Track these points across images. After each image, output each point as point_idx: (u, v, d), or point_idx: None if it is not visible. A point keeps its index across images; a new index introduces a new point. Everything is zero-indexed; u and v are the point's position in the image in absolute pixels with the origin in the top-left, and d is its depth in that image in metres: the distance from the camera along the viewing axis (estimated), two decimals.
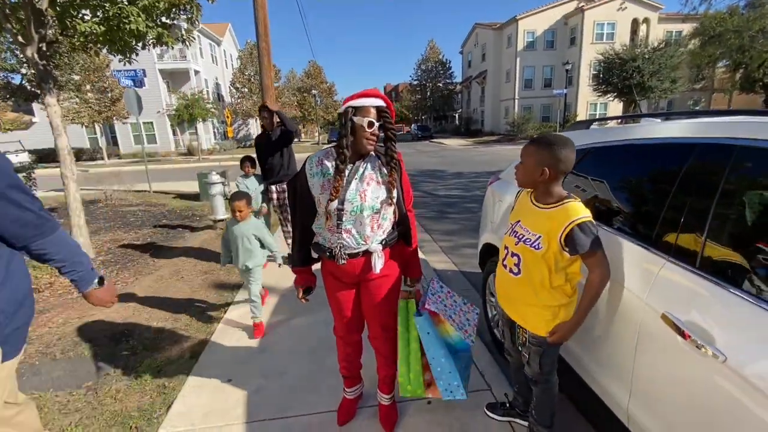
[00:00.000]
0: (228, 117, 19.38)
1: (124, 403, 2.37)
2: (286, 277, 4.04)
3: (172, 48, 5.43)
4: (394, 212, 1.74)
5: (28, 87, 6.88)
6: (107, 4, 4.28)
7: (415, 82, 49.61)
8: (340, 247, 1.66)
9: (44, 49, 4.44)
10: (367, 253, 1.69)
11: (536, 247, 1.51)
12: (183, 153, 27.66)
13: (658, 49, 23.08)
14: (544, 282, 1.53)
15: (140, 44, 4.94)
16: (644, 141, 1.79)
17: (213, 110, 25.36)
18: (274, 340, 2.98)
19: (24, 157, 16.36)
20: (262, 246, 3.05)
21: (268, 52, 6.52)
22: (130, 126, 25.80)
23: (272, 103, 6.46)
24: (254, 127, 36.50)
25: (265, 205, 4.42)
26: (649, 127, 1.84)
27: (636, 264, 1.56)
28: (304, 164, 1.70)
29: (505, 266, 1.69)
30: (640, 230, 1.65)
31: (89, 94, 20.77)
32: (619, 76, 23.42)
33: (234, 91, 34.10)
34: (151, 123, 27.02)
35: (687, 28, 25.15)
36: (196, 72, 28.56)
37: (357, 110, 1.55)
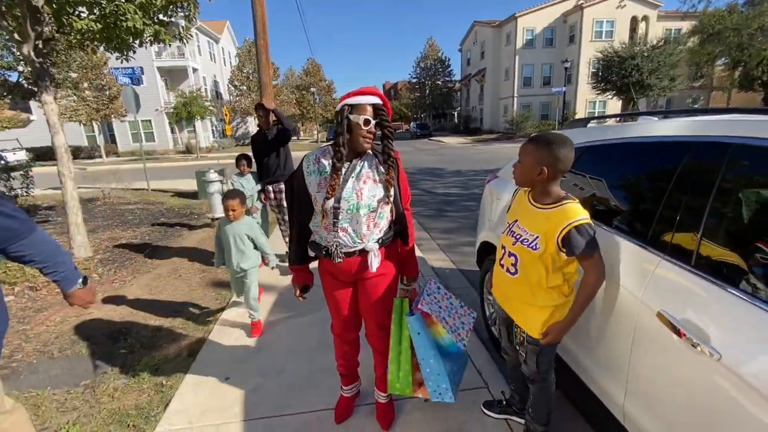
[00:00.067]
0: (226, 115, 19.32)
1: (121, 402, 2.37)
2: (283, 276, 4.05)
3: (170, 46, 5.41)
4: (391, 211, 1.74)
5: (25, 85, 6.83)
6: (104, 2, 4.25)
7: (414, 80, 49.46)
8: (336, 245, 1.65)
9: (41, 46, 4.42)
10: (364, 252, 1.68)
11: (534, 247, 1.50)
12: (181, 151, 27.60)
13: (657, 47, 23.09)
14: (541, 282, 1.53)
15: (137, 42, 4.92)
16: (640, 139, 1.79)
17: (211, 108, 25.31)
18: (272, 339, 2.98)
19: (21, 155, 16.38)
20: (256, 247, 2.99)
21: (266, 50, 6.50)
22: (128, 124, 25.74)
23: (269, 101, 6.43)
24: (253, 125, 36.41)
25: (257, 203, 4.34)
26: (646, 126, 1.84)
27: (632, 262, 1.56)
28: (302, 162, 1.70)
29: (502, 266, 1.69)
30: (636, 228, 1.66)
31: (87, 92, 20.69)
32: (618, 74, 23.43)
33: (232, 88, 34.04)
34: (150, 121, 26.94)
35: (686, 25, 25.14)
36: (195, 70, 28.48)
37: (353, 108, 1.54)
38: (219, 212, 6.53)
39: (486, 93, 38.07)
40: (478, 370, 2.45)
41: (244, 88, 33.32)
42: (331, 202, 1.59)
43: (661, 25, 30.59)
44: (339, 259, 1.67)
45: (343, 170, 1.62)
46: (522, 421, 1.98)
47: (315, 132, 45.79)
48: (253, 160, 4.33)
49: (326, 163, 1.62)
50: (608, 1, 29.23)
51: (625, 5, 29.52)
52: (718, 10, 19.57)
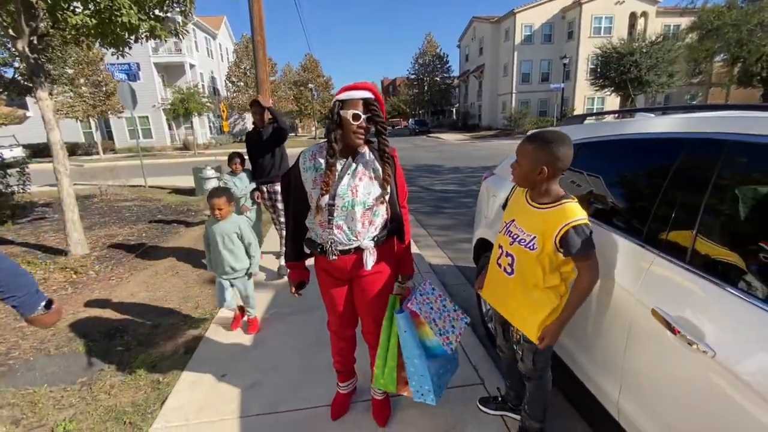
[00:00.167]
0: (224, 111, 19.29)
1: (118, 399, 2.37)
2: (280, 277, 4.04)
3: (166, 41, 5.37)
4: (387, 209, 1.72)
5: (21, 81, 6.78)
6: None
7: (413, 76, 49.31)
8: (331, 242, 1.65)
9: (35, 42, 4.39)
10: (359, 250, 1.67)
11: (531, 247, 1.49)
12: (179, 147, 27.49)
13: (656, 43, 23.07)
14: (538, 283, 1.52)
15: (133, 37, 4.87)
16: (636, 136, 1.78)
17: (209, 104, 25.20)
18: (269, 336, 2.98)
19: (18, 152, 16.29)
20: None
21: (263, 46, 6.46)
22: (125, 120, 25.59)
23: (266, 98, 6.39)
24: (250, 122, 36.25)
25: (249, 203, 4.19)
26: (642, 122, 1.84)
27: (627, 259, 1.56)
28: (298, 158, 1.69)
29: (499, 265, 1.68)
30: (631, 225, 1.65)
31: (83, 88, 20.58)
32: (617, 70, 23.41)
33: (230, 85, 33.83)
34: (147, 117, 26.83)
35: (685, 21, 25.08)
36: (192, 66, 28.33)
37: (344, 103, 1.52)
38: None
39: (484, 89, 38.01)
40: (475, 367, 2.46)
41: (242, 84, 33.12)
42: (326, 199, 1.58)
43: (660, 21, 30.56)
44: (334, 257, 1.66)
45: (339, 167, 1.61)
46: (518, 417, 1.98)
47: (313, 128, 45.61)
48: (247, 158, 4.17)
49: (322, 159, 1.61)
50: None
51: (623, 1, 29.47)
52: (718, 6, 19.53)
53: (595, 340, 1.71)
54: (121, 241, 5.70)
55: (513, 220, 1.62)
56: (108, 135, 27.34)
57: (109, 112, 22.24)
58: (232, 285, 2.92)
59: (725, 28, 18.86)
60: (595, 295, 1.64)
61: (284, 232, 4.01)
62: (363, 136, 1.56)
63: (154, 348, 2.90)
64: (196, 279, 4.21)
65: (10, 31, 4.26)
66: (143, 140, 25.56)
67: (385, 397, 2.10)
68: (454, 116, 48.34)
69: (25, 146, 19.54)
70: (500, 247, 1.68)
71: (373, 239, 1.68)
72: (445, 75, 47.69)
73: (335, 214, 1.61)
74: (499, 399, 2.11)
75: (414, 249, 4.72)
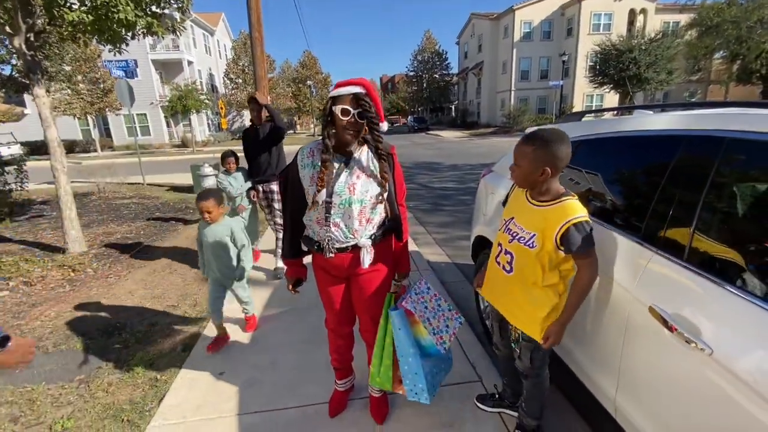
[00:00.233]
0: (222, 108, 19.22)
1: (116, 396, 2.37)
2: (279, 277, 4.04)
3: (163, 38, 5.34)
4: (385, 207, 1.70)
5: (18, 78, 6.75)
6: None
7: (412, 74, 49.19)
8: (328, 240, 1.64)
9: (32, 39, 4.37)
10: (356, 248, 1.67)
11: (530, 245, 1.48)
12: (177, 145, 27.42)
13: (655, 40, 23.01)
14: (537, 281, 1.51)
15: (130, 34, 4.84)
16: (635, 133, 1.78)
17: (207, 101, 25.08)
18: (266, 333, 2.98)
19: (16, 150, 16.21)
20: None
21: (261, 42, 6.43)
22: (123, 117, 25.52)
23: (264, 95, 6.36)
24: (249, 119, 36.21)
25: (245, 202, 4.08)
26: (640, 119, 1.83)
27: (624, 256, 1.56)
28: (296, 155, 1.68)
29: (498, 263, 1.67)
30: (629, 222, 1.65)
31: (81, 85, 20.49)
32: (616, 67, 23.36)
33: (228, 82, 33.74)
34: (145, 114, 26.76)
35: (684, 18, 25.10)
36: (190, 62, 28.23)
37: (335, 100, 1.50)
38: None
39: (483, 86, 37.92)
40: (472, 364, 2.46)
41: (240, 81, 33.03)
42: (323, 196, 1.57)
43: (659, 18, 30.48)
44: (331, 255, 1.66)
45: (336, 164, 1.60)
46: (515, 414, 1.99)
47: (311, 126, 45.54)
48: (244, 156, 4.07)
49: (319, 156, 1.60)
50: None
51: None
52: (717, 3, 19.54)
53: (592, 337, 1.71)
54: (119, 238, 5.69)
55: (512, 218, 1.61)
56: (106, 132, 27.27)
57: (106, 110, 22.18)
58: (225, 290, 2.83)
59: (725, 25, 18.87)
60: (592, 293, 1.63)
61: (280, 234, 4.02)
62: (353, 132, 1.53)
63: (152, 346, 2.90)
64: (194, 277, 4.21)
65: (7, 28, 4.24)
66: (141, 137, 25.46)
67: (383, 394, 2.10)
68: (453, 113, 48.27)
69: (22, 144, 19.37)
70: (499, 244, 1.67)
71: (370, 237, 1.68)
72: (444, 72, 47.58)
73: (332, 212, 1.60)
74: (497, 396, 2.11)
75: (412, 246, 4.72)
